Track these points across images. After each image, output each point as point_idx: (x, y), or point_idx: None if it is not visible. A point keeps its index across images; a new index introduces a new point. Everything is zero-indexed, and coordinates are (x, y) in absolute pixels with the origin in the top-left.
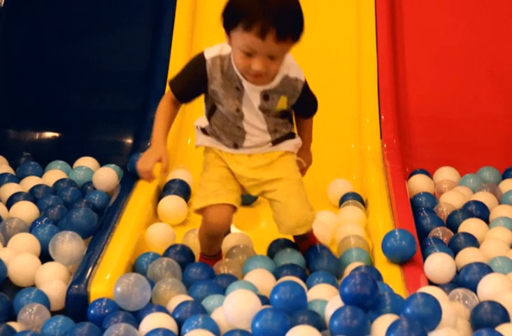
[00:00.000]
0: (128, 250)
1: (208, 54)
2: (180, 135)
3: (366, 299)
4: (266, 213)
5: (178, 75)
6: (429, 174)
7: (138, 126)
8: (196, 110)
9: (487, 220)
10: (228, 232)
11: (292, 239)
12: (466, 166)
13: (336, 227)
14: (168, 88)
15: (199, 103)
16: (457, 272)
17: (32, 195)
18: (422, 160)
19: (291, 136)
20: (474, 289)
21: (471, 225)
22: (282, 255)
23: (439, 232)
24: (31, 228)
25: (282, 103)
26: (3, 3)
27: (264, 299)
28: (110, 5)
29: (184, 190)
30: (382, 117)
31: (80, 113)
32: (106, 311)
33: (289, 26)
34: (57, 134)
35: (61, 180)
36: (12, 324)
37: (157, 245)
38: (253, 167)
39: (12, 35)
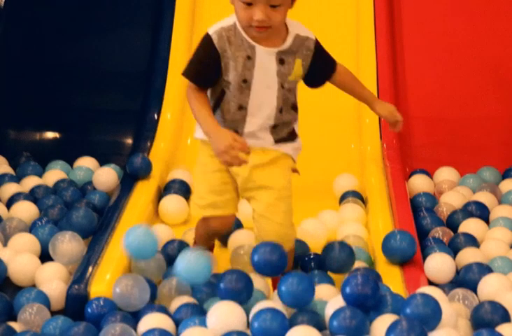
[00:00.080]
0: None
1: (211, 30)
2: (180, 135)
3: (367, 299)
4: None
5: (189, 62)
6: (429, 174)
7: (138, 126)
8: None
9: (487, 220)
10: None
11: None
12: (466, 166)
13: (336, 226)
14: (185, 80)
15: None
16: (457, 272)
17: (32, 195)
18: (422, 160)
19: (292, 137)
20: (474, 289)
21: (471, 225)
22: None
23: (439, 232)
24: (31, 228)
25: (297, 67)
26: (3, 3)
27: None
28: (110, 5)
29: (184, 190)
30: None
31: (80, 113)
32: (104, 310)
33: None
34: (57, 134)
35: (61, 180)
36: (12, 324)
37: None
38: (251, 165)
39: (12, 35)
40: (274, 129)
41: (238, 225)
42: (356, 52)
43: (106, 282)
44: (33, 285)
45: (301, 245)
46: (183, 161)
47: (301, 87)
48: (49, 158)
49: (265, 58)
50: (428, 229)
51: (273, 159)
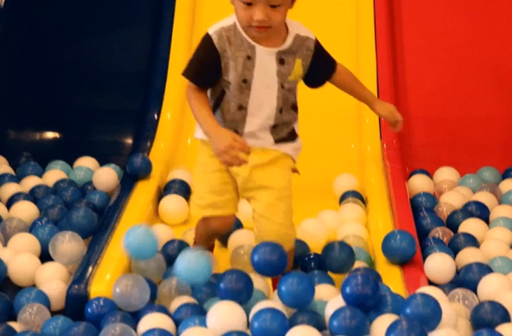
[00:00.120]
0: None
1: (211, 30)
2: (180, 135)
3: (367, 299)
4: None
5: (189, 62)
6: (429, 174)
7: (138, 126)
8: None
9: (487, 220)
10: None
11: None
12: (466, 166)
13: (336, 226)
14: (185, 80)
15: None
16: (457, 272)
17: (32, 195)
18: (422, 160)
19: (292, 137)
20: (474, 289)
21: (471, 225)
22: None
23: (439, 232)
24: (31, 228)
25: (297, 67)
26: (3, 3)
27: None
28: (110, 5)
29: (184, 190)
30: None
31: (80, 113)
32: (104, 310)
33: None
34: (57, 134)
35: (61, 180)
36: (12, 324)
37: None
38: (251, 165)
39: (12, 35)
40: (274, 129)
41: (238, 225)
42: (356, 52)
43: (106, 282)
44: (33, 285)
45: (301, 245)
46: (183, 161)
47: (301, 87)
48: (49, 158)
49: (265, 58)
50: (428, 229)
51: (273, 159)
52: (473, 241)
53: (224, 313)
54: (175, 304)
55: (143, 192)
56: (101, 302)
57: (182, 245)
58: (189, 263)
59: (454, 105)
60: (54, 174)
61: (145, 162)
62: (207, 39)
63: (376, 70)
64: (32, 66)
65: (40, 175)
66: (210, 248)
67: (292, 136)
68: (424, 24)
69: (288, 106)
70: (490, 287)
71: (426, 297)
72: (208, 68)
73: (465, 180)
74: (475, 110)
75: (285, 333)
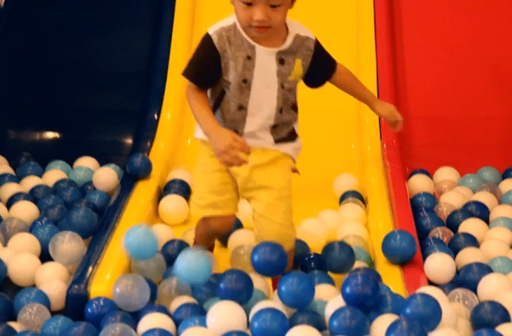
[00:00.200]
0: None
1: (211, 30)
2: (180, 135)
3: (367, 299)
4: None
5: (189, 62)
6: (429, 174)
7: (138, 126)
8: None
9: (487, 220)
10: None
11: None
12: (466, 166)
13: (336, 226)
14: (185, 80)
15: None
16: (457, 272)
17: (32, 195)
18: (422, 160)
19: (292, 137)
20: (474, 289)
21: (471, 225)
22: None
23: (439, 232)
24: (31, 228)
25: (297, 67)
26: (3, 3)
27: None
28: (110, 5)
29: (184, 190)
30: None
31: (80, 113)
32: (104, 310)
33: None
34: (57, 134)
35: (61, 180)
36: (12, 324)
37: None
38: (251, 165)
39: (12, 35)
40: (274, 129)
41: (238, 225)
42: (356, 52)
43: (106, 282)
44: (33, 285)
45: (301, 245)
46: (183, 161)
47: (301, 87)
48: (49, 158)
49: (265, 58)
50: (428, 229)
51: (273, 159)
52: (473, 241)
53: (224, 313)
54: (175, 304)
55: (143, 192)
56: (101, 302)
57: (182, 245)
58: (189, 263)
59: (454, 105)
60: (54, 174)
61: (145, 162)
62: (207, 39)
63: (376, 70)
64: (32, 66)
65: (40, 175)
66: (210, 248)
67: (292, 136)
68: (424, 24)
69: (288, 106)
70: (490, 287)
71: (426, 297)
72: (208, 68)
73: (465, 180)
74: (475, 110)
75: (284, 333)
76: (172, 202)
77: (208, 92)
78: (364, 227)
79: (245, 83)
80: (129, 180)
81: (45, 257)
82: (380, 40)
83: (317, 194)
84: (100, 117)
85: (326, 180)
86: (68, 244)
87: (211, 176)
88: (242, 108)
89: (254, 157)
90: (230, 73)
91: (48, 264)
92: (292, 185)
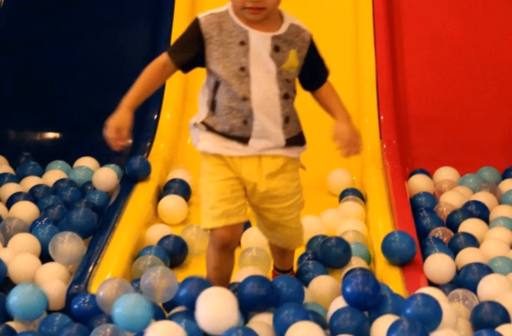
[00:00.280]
0: (128, 250)
1: (201, 15)
2: (180, 135)
3: (368, 298)
4: None
5: (174, 42)
6: (429, 174)
7: (138, 126)
8: (196, 111)
9: (487, 220)
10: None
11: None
12: (466, 166)
13: (337, 225)
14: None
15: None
16: (457, 272)
17: (32, 195)
18: (422, 160)
19: (302, 140)
20: (474, 289)
21: (471, 225)
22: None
23: (439, 232)
24: (31, 228)
25: (292, 57)
26: (3, 3)
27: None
28: (110, 6)
29: (184, 190)
30: (382, 117)
31: (80, 113)
32: (90, 306)
33: None
34: (57, 134)
35: (61, 180)
36: (11, 324)
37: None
38: (265, 175)
39: (12, 35)
40: (286, 123)
41: (247, 225)
42: (355, 53)
43: None
44: None
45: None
46: (183, 161)
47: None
48: (49, 158)
49: (259, 42)
50: (428, 229)
51: (283, 166)
52: (473, 241)
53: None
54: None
55: (143, 192)
56: (87, 299)
57: (178, 240)
58: (126, 309)
59: (454, 105)
60: (54, 174)
61: (144, 164)
62: (194, 22)
63: (375, 70)
64: (32, 66)
65: (40, 175)
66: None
67: (301, 139)
68: (424, 24)
69: (292, 91)
70: (490, 287)
71: (426, 297)
72: (188, 49)
73: (465, 180)
74: (475, 110)
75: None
76: (172, 202)
77: (207, 92)
78: (364, 224)
79: (244, 71)
80: (128, 180)
81: (45, 257)
82: (379, 40)
83: (317, 194)
84: (100, 117)
85: (326, 179)
86: (68, 244)
87: (221, 184)
88: (246, 99)
89: (265, 166)
90: (219, 63)
91: (48, 265)
92: None
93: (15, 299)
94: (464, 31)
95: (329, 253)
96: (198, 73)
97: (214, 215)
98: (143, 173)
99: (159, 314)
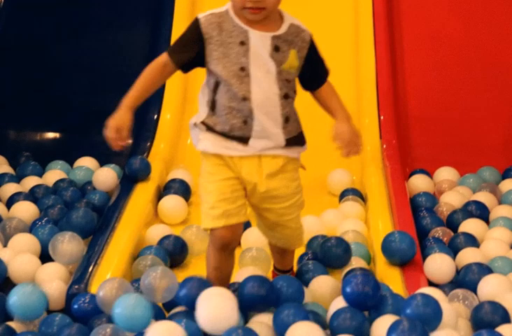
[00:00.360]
0: (128, 250)
1: (201, 15)
2: (180, 135)
3: (368, 298)
4: None
5: (174, 42)
6: (429, 174)
7: (138, 126)
8: (196, 111)
9: (487, 220)
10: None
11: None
12: (466, 166)
13: (337, 225)
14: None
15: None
16: (457, 272)
17: (32, 195)
18: (422, 160)
19: (302, 140)
20: (474, 289)
21: (471, 225)
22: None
23: (439, 232)
24: (31, 228)
25: (292, 57)
26: (3, 3)
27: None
28: (110, 6)
29: (184, 190)
30: (382, 117)
31: (80, 113)
32: (90, 306)
33: None
34: (57, 134)
35: (61, 180)
36: (11, 324)
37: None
38: (265, 175)
39: (12, 35)
40: (286, 123)
41: (247, 224)
42: (355, 53)
43: None
44: None
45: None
46: (183, 161)
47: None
48: (49, 158)
49: (259, 42)
50: (428, 229)
51: (283, 166)
52: (473, 241)
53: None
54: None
55: (143, 192)
56: (87, 299)
57: (178, 240)
58: (126, 309)
59: (454, 105)
60: (54, 174)
61: (144, 164)
62: (194, 22)
63: (375, 70)
64: (32, 66)
65: (40, 175)
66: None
67: (301, 139)
68: (424, 24)
69: (292, 91)
70: (490, 287)
71: (426, 297)
72: (188, 49)
73: (465, 180)
74: (476, 110)
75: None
76: (172, 202)
77: (206, 91)
78: (364, 224)
79: (244, 71)
80: (128, 180)
81: (45, 257)
82: (379, 40)
83: (315, 192)
84: (100, 117)
85: (325, 180)
86: (68, 244)
87: (221, 184)
88: (246, 99)
89: (265, 166)
90: (219, 63)
91: (48, 265)
92: None
93: (15, 299)
94: (464, 31)
95: (329, 253)
96: (199, 73)
97: (214, 215)
98: (143, 173)
99: (159, 314)
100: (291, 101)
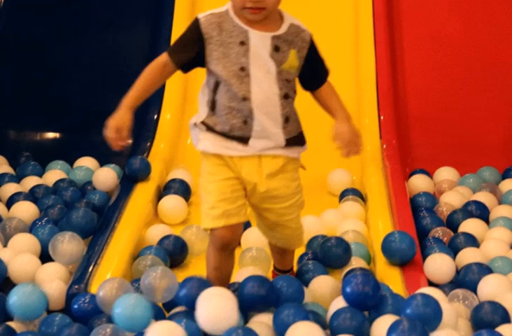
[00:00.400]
0: (128, 250)
1: (201, 15)
2: (180, 135)
3: (368, 298)
4: None
5: (174, 42)
6: (429, 174)
7: (138, 126)
8: (196, 111)
9: (487, 220)
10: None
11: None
12: (466, 166)
13: (337, 225)
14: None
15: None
16: (457, 272)
17: (32, 195)
18: (422, 160)
19: (302, 140)
20: (474, 289)
21: (471, 225)
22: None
23: (439, 232)
24: (31, 228)
25: (292, 57)
26: (3, 3)
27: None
28: (110, 6)
29: (184, 190)
30: (382, 117)
31: (80, 113)
32: (90, 306)
33: None
34: (57, 134)
35: (61, 180)
36: (11, 324)
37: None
38: (265, 175)
39: (12, 35)
40: (286, 123)
41: (247, 224)
42: (355, 53)
43: None
44: None
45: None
46: (183, 161)
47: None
48: (49, 158)
49: (259, 42)
50: (428, 229)
51: (283, 166)
52: (473, 241)
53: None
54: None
55: (143, 192)
56: (87, 299)
57: (178, 240)
58: (126, 309)
59: (454, 105)
60: (54, 174)
61: (144, 164)
62: (195, 23)
63: (375, 70)
64: (32, 66)
65: (40, 175)
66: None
67: (301, 139)
68: (424, 24)
69: (292, 91)
70: (490, 287)
71: (426, 297)
72: (188, 49)
73: (465, 180)
74: (476, 110)
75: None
76: (172, 202)
77: (206, 91)
78: (364, 224)
79: (244, 71)
80: (128, 180)
81: (45, 257)
82: (379, 40)
83: (315, 192)
84: (100, 117)
85: (325, 180)
86: (68, 244)
87: (221, 184)
88: (246, 99)
89: (265, 166)
90: (219, 63)
91: (48, 265)
92: None
93: (15, 299)
94: (464, 31)
95: (329, 253)
96: (199, 73)
97: (214, 215)
98: (143, 173)
99: (159, 314)
100: (291, 101)
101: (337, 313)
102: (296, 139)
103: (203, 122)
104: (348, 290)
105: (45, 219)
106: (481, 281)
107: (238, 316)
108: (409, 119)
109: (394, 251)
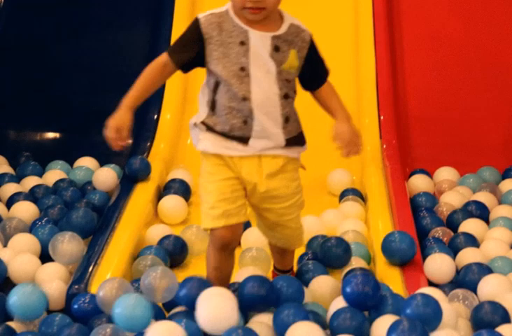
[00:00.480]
0: (128, 250)
1: (201, 15)
2: (180, 135)
3: (368, 298)
4: None
5: (174, 42)
6: (429, 174)
7: (138, 126)
8: (196, 111)
9: (487, 220)
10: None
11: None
12: (466, 166)
13: (337, 225)
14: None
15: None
16: (457, 272)
17: (32, 195)
18: (422, 160)
19: (302, 140)
20: (474, 289)
21: (471, 225)
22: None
23: (439, 232)
24: (31, 228)
25: (292, 57)
26: (3, 3)
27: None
28: (110, 6)
29: (184, 190)
30: (382, 117)
31: (80, 113)
32: (90, 306)
33: None
34: (57, 134)
35: (61, 180)
36: (11, 324)
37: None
38: (265, 175)
39: (12, 35)
40: (286, 123)
41: (247, 225)
42: (355, 53)
43: None
44: None
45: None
46: (183, 161)
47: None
48: (49, 158)
49: (259, 42)
50: (428, 229)
51: (283, 166)
52: (473, 241)
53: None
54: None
55: (143, 192)
56: (87, 299)
57: (178, 240)
58: (126, 309)
59: (454, 105)
60: (54, 174)
61: (144, 164)
62: (194, 22)
63: (375, 70)
64: (32, 66)
65: (40, 175)
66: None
67: (301, 139)
68: (424, 24)
69: (292, 91)
70: (490, 287)
71: (426, 297)
72: (188, 49)
73: (465, 180)
74: (475, 110)
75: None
76: (171, 202)
77: (206, 91)
78: (364, 224)
79: (244, 71)
80: (128, 180)
81: (45, 257)
82: (379, 40)
83: (315, 192)
84: (100, 117)
85: (325, 180)
86: (68, 244)
87: (221, 184)
88: (246, 99)
89: (265, 166)
90: (219, 63)
91: (48, 265)
92: None
93: (15, 299)
94: (464, 31)
95: (329, 253)
96: (199, 73)
97: (214, 215)
98: (143, 173)
99: (159, 314)
100: (291, 101)
101: (337, 313)
102: (296, 139)
103: (203, 122)
104: (348, 290)
105: (45, 219)
106: (481, 281)
107: (238, 316)
108: (409, 119)
109: (394, 251)
